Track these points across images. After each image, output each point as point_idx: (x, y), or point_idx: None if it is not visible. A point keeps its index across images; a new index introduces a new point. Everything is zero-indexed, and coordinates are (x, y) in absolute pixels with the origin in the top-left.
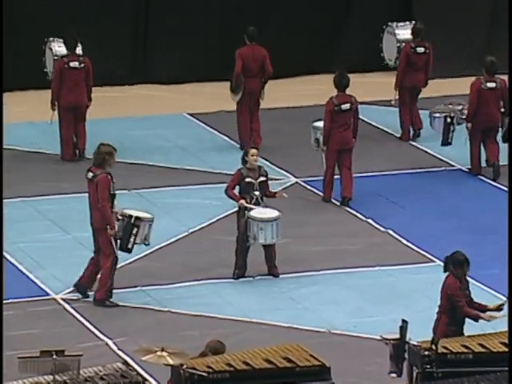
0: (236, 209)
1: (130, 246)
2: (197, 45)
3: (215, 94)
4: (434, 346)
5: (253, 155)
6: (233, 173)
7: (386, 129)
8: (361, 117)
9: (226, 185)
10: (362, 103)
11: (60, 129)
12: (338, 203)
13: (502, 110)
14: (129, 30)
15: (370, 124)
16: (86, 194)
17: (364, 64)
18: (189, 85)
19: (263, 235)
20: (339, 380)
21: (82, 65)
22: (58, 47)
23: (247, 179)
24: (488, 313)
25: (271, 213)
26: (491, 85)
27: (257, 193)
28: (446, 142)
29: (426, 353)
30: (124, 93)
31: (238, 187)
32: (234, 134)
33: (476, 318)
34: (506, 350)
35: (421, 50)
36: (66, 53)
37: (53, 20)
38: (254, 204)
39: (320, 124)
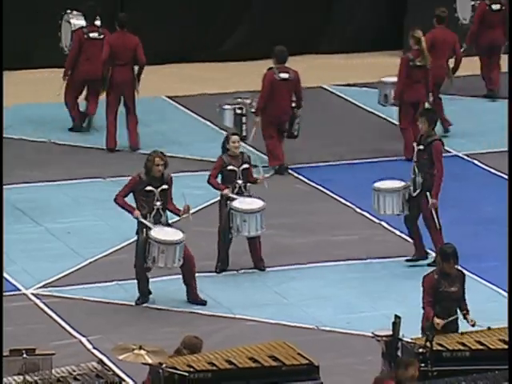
0: (218, 198)
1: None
2: (175, 25)
3: (195, 77)
4: (428, 343)
5: (234, 142)
6: (215, 160)
7: (379, 113)
8: (351, 99)
9: (208, 173)
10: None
11: (65, 99)
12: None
13: (293, 104)
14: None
15: (363, 108)
16: (59, 183)
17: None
18: (168, 66)
19: (247, 227)
20: (328, 379)
21: (102, 36)
22: (77, 20)
23: (230, 167)
24: (438, 320)
25: (255, 203)
26: (284, 75)
27: (240, 181)
28: (240, 137)
29: (421, 350)
30: None
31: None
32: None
33: (430, 321)
34: (505, 347)
35: (496, 7)
36: (85, 24)
37: None
38: (237, 193)
39: None
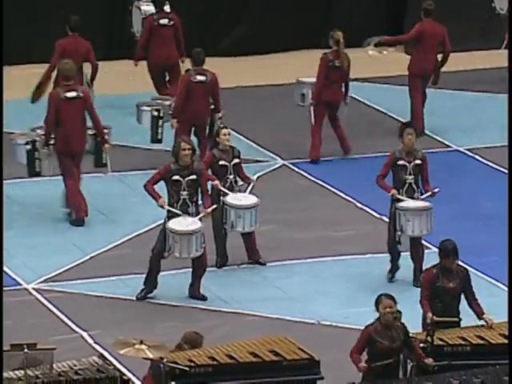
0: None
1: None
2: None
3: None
4: (429, 338)
5: (225, 135)
6: None
7: (382, 109)
8: (355, 96)
9: None
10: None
11: (156, 90)
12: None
13: (212, 106)
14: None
15: (366, 104)
16: (61, 178)
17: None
18: None
19: (241, 223)
20: (329, 374)
21: (171, 22)
22: (146, 6)
23: (221, 162)
24: (430, 314)
25: (249, 199)
26: (201, 78)
27: (231, 176)
28: (155, 139)
29: (422, 345)
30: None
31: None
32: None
33: (425, 316)
34: (506, 341)
35: None
36: (155, 10)
37: None
38: (228, 188)
39: None
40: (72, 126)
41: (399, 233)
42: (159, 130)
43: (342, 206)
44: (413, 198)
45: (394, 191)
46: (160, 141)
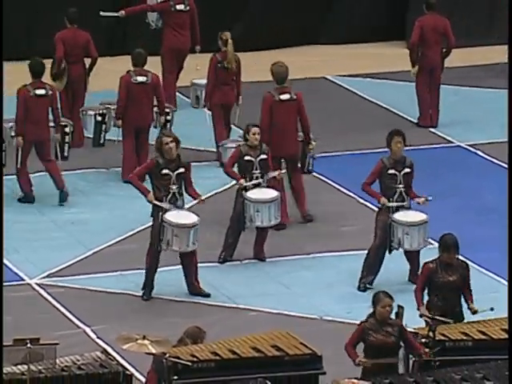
0: (224, 188)
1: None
2: None
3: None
4: (431, 333)
5: (254, 133)
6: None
7: (384, 105)
8: (354, 90)
9: (225, 162)
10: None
11: (163, 75)
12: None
13: (156, 109)
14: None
15: (369, 100)
16: (65, 173)
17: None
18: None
19: (260, 217)
20: (331, 369)
21: (188, 8)
22: None
23: (247, 157)
24: (422, 309)
25: (269, 193)
26: (141, 79)
27: (257, 171)
28: (97, 143)
29: (424, 340)
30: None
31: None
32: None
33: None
34: (507, 336)
35: None
36: None
37: None
38: (254, 184)
39: None
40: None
41: (396, 246)
42: (102, 135)
43: (345, 202)
44: (403, 206)
45: (384, 200)
46: (102, 144)
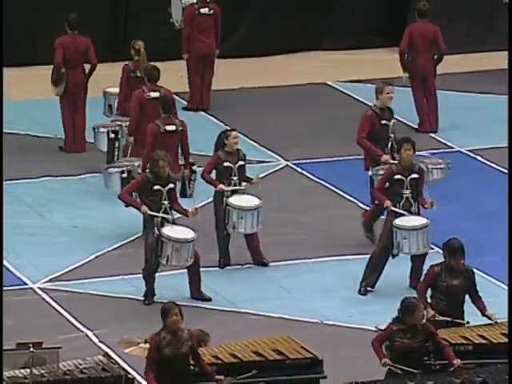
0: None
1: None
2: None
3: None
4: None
5: (234, 138)
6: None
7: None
8: (355, 96)
9: (201, 168)
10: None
11: (189, 78)
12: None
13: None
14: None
15: (368, 105)
16: (66, 178)
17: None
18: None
19: (243, 224)
20: (332, 373)
21: (212, 11)
22: None
23: (225, 163)
24: (432, 312)
25: (251, 201)
26: (155, 94)
27: (235, 178)
28: (111, 160)
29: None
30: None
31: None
32: (222, 115)
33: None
34: (507, 341)
35: None
36: (195, 0)
37: None
38: (232, 190)
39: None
40: None
41: (396, 250)
42: (116, 152)
43: (345, 206)
44: (410, 211)
45: (388, 203)
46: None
